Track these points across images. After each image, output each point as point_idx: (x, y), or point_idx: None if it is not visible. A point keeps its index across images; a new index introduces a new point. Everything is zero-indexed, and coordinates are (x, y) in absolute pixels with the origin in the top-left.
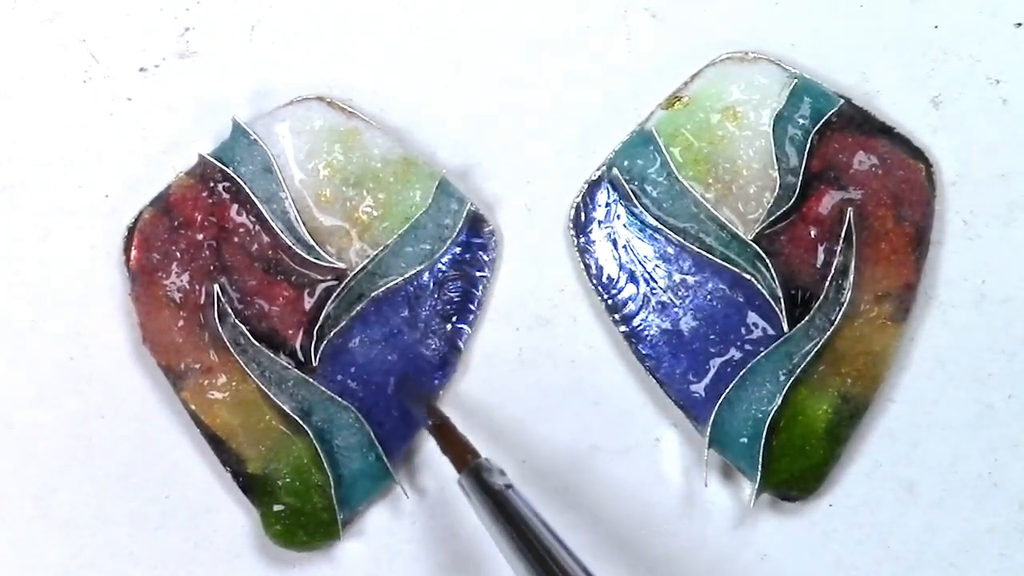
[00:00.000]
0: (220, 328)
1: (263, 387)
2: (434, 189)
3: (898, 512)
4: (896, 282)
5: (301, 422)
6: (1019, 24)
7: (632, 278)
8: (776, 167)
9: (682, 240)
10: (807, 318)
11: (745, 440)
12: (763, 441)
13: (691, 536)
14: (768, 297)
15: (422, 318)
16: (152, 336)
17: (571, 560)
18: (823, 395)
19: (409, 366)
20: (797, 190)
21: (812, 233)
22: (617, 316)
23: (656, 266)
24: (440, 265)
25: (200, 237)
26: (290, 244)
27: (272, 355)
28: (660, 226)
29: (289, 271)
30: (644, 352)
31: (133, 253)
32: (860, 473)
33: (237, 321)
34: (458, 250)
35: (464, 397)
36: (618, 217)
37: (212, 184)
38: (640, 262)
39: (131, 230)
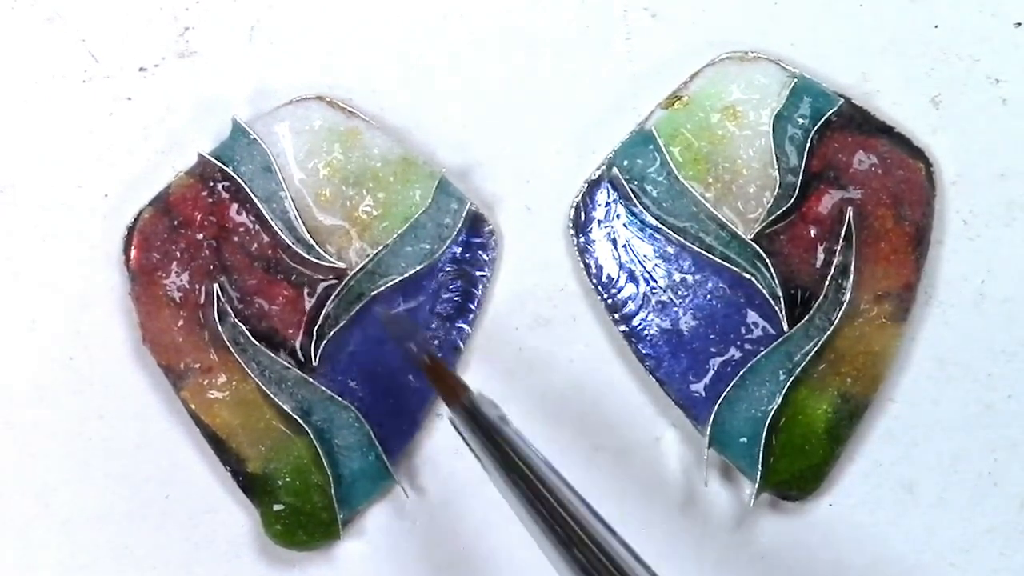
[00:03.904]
0: (220, 328)
1: (263, 387)
2: (434, 189)
3: (898, 512)
4: (896, 282)
5: (301, 422)
6: (1019, 24)
7: (632, 277)
8: (776, 166)
9: (682, 239)
10: (807, 318)
11: (745, 440)
12: (763, 441)
13: (691, 536)
14: (768, 297)
15: (422, 318)
16: (152, 336)
17: (568, 492)
18: (823, 395)
19: (408, 366)
20: (797, 189)
21: (812, 233)
22: (617, 315)
23: (656, 265)
24: (440, 265)
25: (200, 237)
26: (290, 243)
27: (272, 355)
28: (660, 225)
29: (289, 270)
30: (644, 351)
31: (133, 253)
32: (860, 473)
33: (237, 321)
34: (458, 250)
35: None
36: (618, 217)
37: (212, 184)
38: (640, 261)
39: (131, 230)
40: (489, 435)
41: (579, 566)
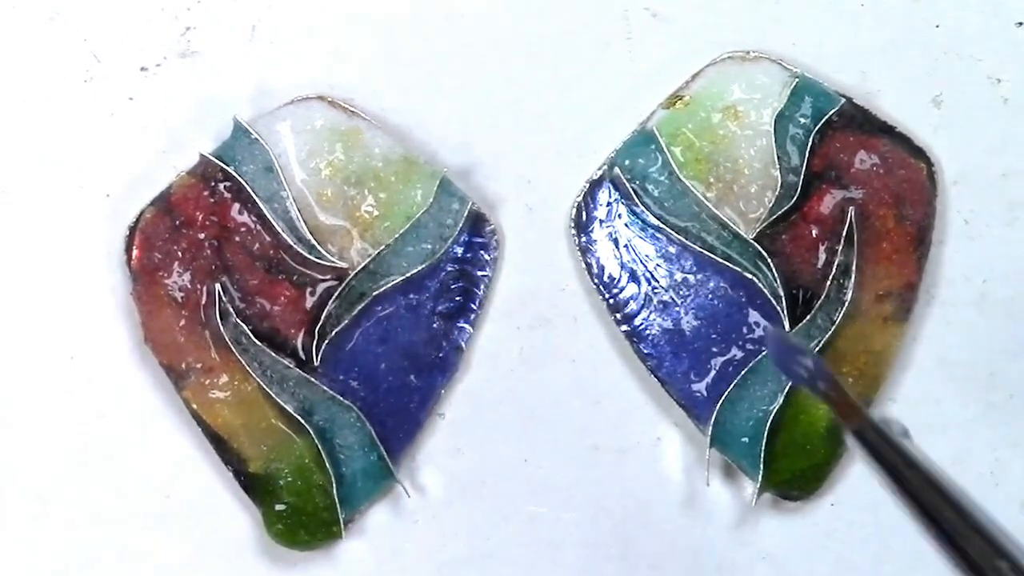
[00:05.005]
0: (221, 327)
1: (265, 386)
2: (435, 188)
3: (899, 512)
4: (897, 281)
5: (303, 421)
6: (1020, 23)
7: (633, 277)
8: (777, 166)
9: (683, 239)
10: (808, 317)
11: (746, 439)
12: (764, 440)
13: (692, 535)
14: (770, 296)
15: (423, 317)
16: (153, 335)
17: (977, 512)
18: None
19: (410, 366)
20: (798, 189)
21: (813, 232)
22: (618, 315)
23: (657, 265)
24: (441, 264)
25: (201, 236)
26: (291, 243)
27: (274, 354)
28: (661, 225)
29: (290, 270)
30: (645, 351)
31: (134, 252)
32: (861, 473)
33: (239, 320)
34: (459, 249)
35: (465, 396)
36: (619, 216)
37: (213, 183)
38: (641, 261)
39: (132, 229)
40: (893, 456)
41: None
